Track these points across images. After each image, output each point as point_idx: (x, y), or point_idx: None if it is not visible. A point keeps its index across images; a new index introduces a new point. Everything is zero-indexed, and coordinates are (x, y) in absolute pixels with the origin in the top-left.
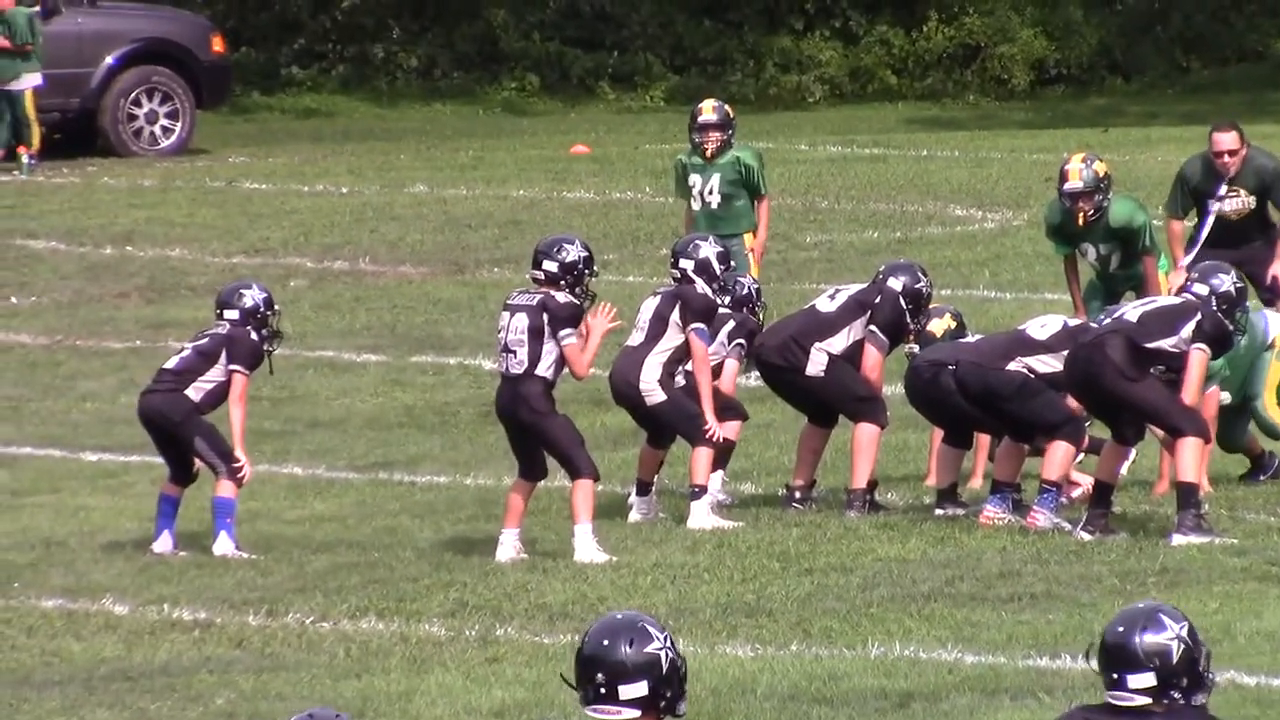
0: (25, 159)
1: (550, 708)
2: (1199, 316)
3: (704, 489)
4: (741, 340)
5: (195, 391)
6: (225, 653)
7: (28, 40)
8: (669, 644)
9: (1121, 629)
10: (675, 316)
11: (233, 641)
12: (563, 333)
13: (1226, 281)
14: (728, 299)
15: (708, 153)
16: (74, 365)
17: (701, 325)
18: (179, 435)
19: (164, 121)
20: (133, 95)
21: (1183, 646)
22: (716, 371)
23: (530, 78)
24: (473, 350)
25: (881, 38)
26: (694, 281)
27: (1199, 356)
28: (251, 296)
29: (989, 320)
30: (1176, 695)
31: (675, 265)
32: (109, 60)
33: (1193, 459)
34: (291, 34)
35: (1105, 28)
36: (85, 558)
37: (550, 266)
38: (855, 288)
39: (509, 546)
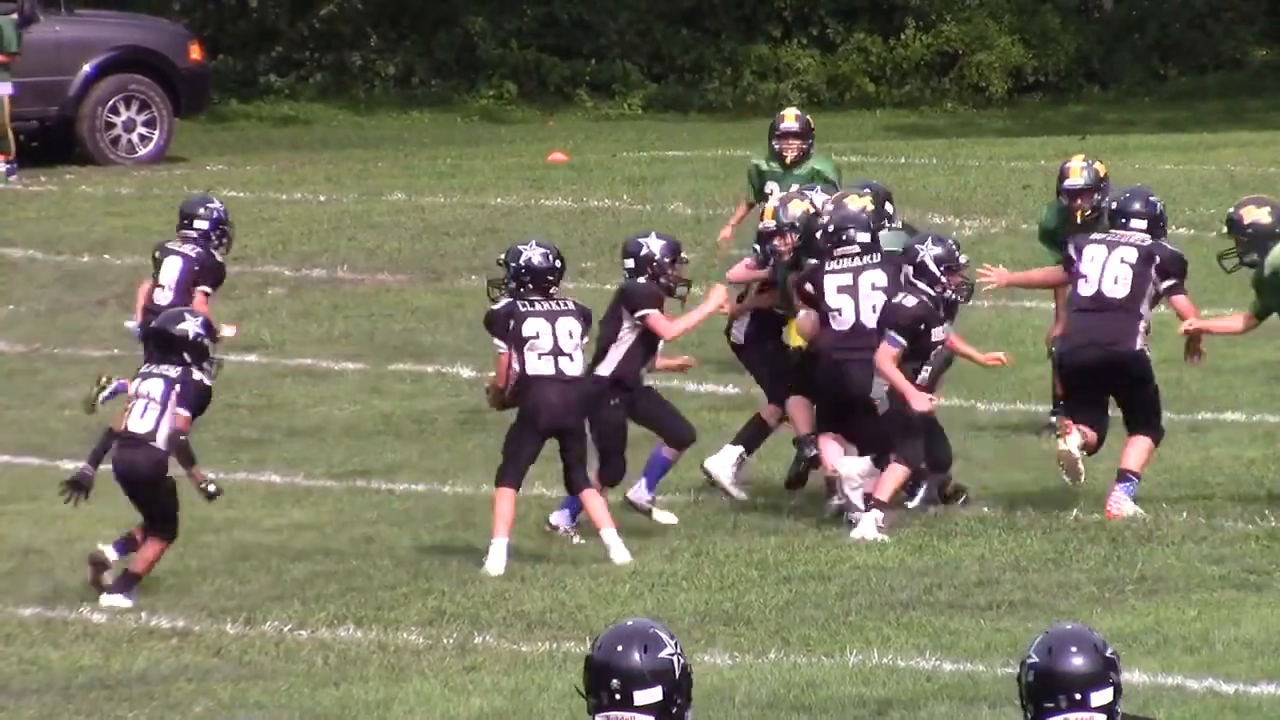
0: (3, 167)
1: (529, 716)
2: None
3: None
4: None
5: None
6: (203, 661)
7: (14, 49)
8: (679, 651)
9: (1074, 648)
10: None
11: (211, 650)
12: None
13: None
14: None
15: (787, 160)
16: (52, 374)
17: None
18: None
19: (141, 129)
20: (110, 103)
21: (1117, 659)
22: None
23: (508, 85)
24: (451, 358)
25: (859, 45)
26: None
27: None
28: (649, 244)
29: (965, 328)
30: (1119, 708)
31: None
32: (86, 68)
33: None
34: (269, 42)
35: (1083, 35)
36: (63, 566)
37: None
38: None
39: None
